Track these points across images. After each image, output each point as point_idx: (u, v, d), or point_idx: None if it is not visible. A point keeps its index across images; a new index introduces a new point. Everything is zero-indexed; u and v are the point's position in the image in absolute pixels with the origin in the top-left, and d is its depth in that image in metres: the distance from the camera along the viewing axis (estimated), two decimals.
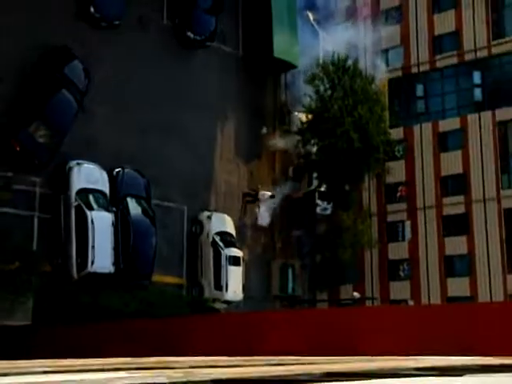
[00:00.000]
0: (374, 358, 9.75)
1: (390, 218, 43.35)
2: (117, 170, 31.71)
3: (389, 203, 43.66)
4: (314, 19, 44.15)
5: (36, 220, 29.19)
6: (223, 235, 35.53)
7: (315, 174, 41.89)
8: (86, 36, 31.72)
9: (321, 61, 41.65)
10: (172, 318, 23.12)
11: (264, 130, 40.69)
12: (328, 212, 42.82)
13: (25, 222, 28.81)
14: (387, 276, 42.59)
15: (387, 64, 45.45)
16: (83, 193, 29.63)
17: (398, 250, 42.66)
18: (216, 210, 36.37)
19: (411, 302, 40.52)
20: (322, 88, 40.98)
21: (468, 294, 39.29)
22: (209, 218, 35.50)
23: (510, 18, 41.82)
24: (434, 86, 44.18)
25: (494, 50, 41.55)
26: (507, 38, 41.23)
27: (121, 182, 31.51)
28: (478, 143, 40.79)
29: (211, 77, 37.34)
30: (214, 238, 35.02)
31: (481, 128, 40.83)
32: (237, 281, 35.13)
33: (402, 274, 42.79)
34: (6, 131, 28.41)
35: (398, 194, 43.77)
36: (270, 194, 38.96)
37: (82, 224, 28.94)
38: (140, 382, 4.97)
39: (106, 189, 30.58)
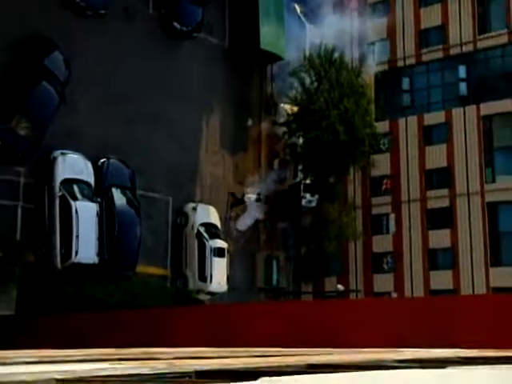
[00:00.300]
0: (357, 349, 9.79)
1: (375, 211, 43.52)
2: (102, 160, 31.58)
3: (373, 196, 43.81)
4: (301, 11, 44.11)
5: (20, 210, 29.02)
6: (208, 227, 35.54)
7: (300, 167, 41.95)
8: (71, 25, 31.42)
9: (307, 53, 41.66)
10: (156, 309, 23.09)
11: (250, 122, 40.65)
12: (313, 204, 42.91)
13: (8, 212, 28.63)
14: (371, 268, 42.79)
15: (373, 57, 45.53)
16: (67, 183, 29.47)
17: (382, 243, 42.84)
18: (201, 202, 36.34)
19: (395, 295, 40.74)
20: (307, 80, 41.02)
21: (451, 287, 39.55)
22: (194, 209, 35.49)
23: (496, 13, 41.99)
24: (419, 79, 44.32)
25: (480, 45, 41.72)
26: (493, 33, 41.41)
27: (106, 173, 31.39)
28: (463, 137, 40.99)
29: (197, 68, 37.22)
30: (198, 230, 35.02)
31: (465, 122, 41.03)
32: (221, 272, 35.16)
33: (385, 266, 43.00)
34: None
35: (383, 186, 43.93)
36: (255, 197, 38.98)
37: (67, 214, 28.81)
38: (123, 373, 4.97)
39: (91, 179, 30.45)
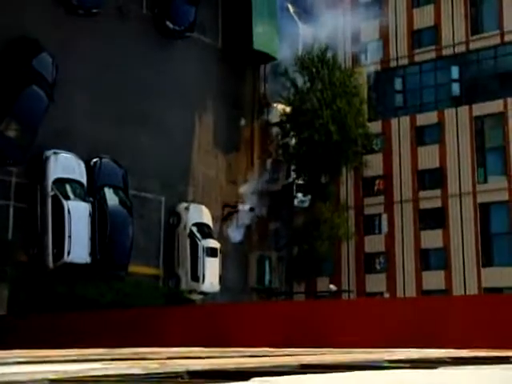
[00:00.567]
0: (349, 350, 9.81)
1: (367, 211, 43.56)
2: (94, 159, 31.53)
3: (366, 196, 43.86)
4: (294, 11, 44.13)
5: (12, 209, 28.94)
6: (200, 226, 35.52)
7: (293, 167, 41.97)
8: (63, 24, 31.34)
9: (300, 53, 41.69)
10: (148, 309, 23.08)
11: (243, 122, 40.66)
12: (306, 204, 42.94)
13: (0, 212, 28.55)
14: (363, 269, 42.84)
15: (366, 57, 45.60)
16: (60, 182, 29.41)
17: (374, 243, 42.90)
18: (194, 202, 36.33)
19: (387, 295, 40.80)
20: (300, 81, 41.06)
21: (443, 288, 39.63)
22: (186, 209, 35.47)
23: (489, 14, 42.10)
24: (412, 80, 44.39)
25: (472, 45, 41.83)
26: (485, 34, 41.51)
27: (98, 172, 31.34)
28: (455, 137, 41.09)
29: (190, 68, 37.19)
30: (191, 229, 35.01)
31: (458, 122, 41.13)
32: (214, 272, 35.15)
33: (378, 266, 43.06)
34: None
35: (376, 187, 43.98)
36: (249, 206, 39.02)
37: (59, 214, 28.75)
38: (115, 373, 4.97)
39: (83, 179, 30.39)
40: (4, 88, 28.49)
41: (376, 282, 42.02)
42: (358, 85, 41.51)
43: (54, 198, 28.98)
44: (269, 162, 42.07)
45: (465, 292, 38.21)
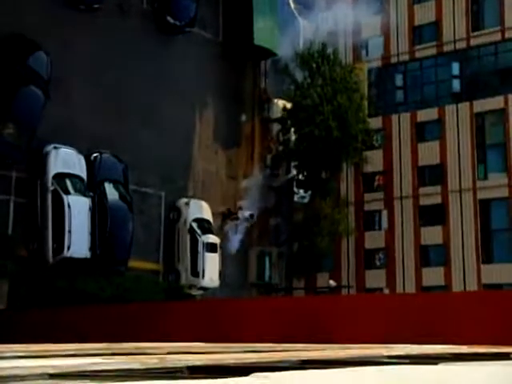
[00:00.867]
0: (348, 345, 9.81)
1: (367, 207, 43.57)
2: (94, 154, 31.52)
3: (366, 192, 43.86)
4: (295, 7, 44.07)
5: (12, 204, 28.94)
6: (200, 222, 35.53)
7: (293, 163, 41.95)
8: (64, 19, 31.29)
9: (301, 49, 41.65)
10: (148, 304, 23.09)
11: (243, 118, 40.63)
12: (306, 200, 42.96)
13: (0, 206, 28.55)
14: (363, 264, 42.86)
15: (367, 53, 45.55)
16: (60, 177, 29.41)
17: (374, 239, 42.91)
18: (194, 197, 36.32)
19: (386, 291, 40.82)
20: (300, 76, 41.02)
21: (443, 284, 39.66)
22: (187, 204, 35.46)
23: (490, 10, 42.05)
24: (412, 76, 44.36)
25: (473, 42, 41.79)
26: (486, 30, 41.47)
27: (98, 167, 31.33)
28: (456, 134, 41.07)
29: (191, 63, 37.15)
30: (191, 225, 35.01)
31: (458, 119, 41.10)
32: (213, 268, 35.16)
33: (377, 262, 43.08)
34: None
35: (376, 183, 43.98)
36: (249, 213, 39.00)
37: (59, 208, 28.74)
38: (115, 367, 4.96)
39: (83, 173, 30.38)
40: (0, 88, 28.22)
41: (376, 278, 42.04)
42: (358, 81, 41.48)
43: (54, 192, 28.97)
44: (269, 157, 42.07)
45: (464, 288, 38.23)
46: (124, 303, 24.79)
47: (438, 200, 41.16)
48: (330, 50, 41.24)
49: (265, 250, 40.85)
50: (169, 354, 7.03)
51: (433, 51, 43.27)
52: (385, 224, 42.93)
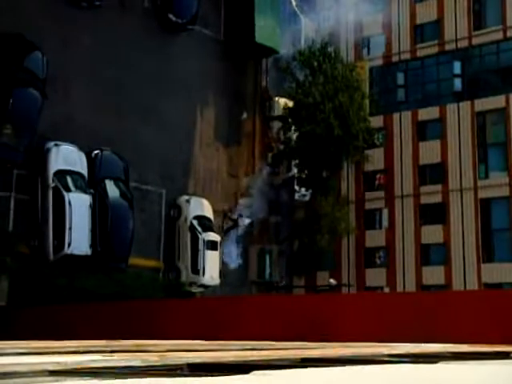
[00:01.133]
0: (348, 344, 9.81)
1: (368, 206, 43.56)
2: (95, 151, 31.50)
3: (367, 191, 43.85)
4: (297, 5, 44.04)
5: (12, 201, 28.93)
6: (201, 219, 35.53)
7: (294, 161, 41.95)
8: (65, 16, 31.27)
9: (302, 47, 41.63)
10: (149, 301, 23.10)
11: (244, 116, 40.62)
12: (306, 198, 42.95)
13: (1, 203, 28.55)
14: (364, 263, 42.86)
15: (368, 52, 45.52)
16: (61, 174, 29.38)
17: (374, 238, 42.90)
18: (194, 194, 36.32)
19: (387, 290, 40.83)
20: (301, 74, 41.00)
21: (443, 283, 39.66)
22: (187, 202, 35.47)
23: (492, 9, 42.00)
24: (414, 74, 44.32)
25: (475, 41, 41.75)
26: (488, 29, 41.43)
27: (99, 164, 31.31)
28: (457, 133, 41.04)
29: (192, 60, 37.12)
30: (191, 222, 35.01)
31: (459, 118, 41.08)
32: (214, 265, 35.17)
33: (378, 261, 43.08)
34: None
35: (377, 181, 43.97)
36: (249, 220, 39.01)
37: (59, 206, 28.73)
38: (115, 365, 4.97)
39: (84, 171, 30.37)
40: None
41: (376, 277, 42.04)
42: (360, 79, 41.45)
43: (55, 189, 28.96)
44: (270, 155, 42.08)
45: (465, 287, 38.23)
46: (124, 300, 24.79)
47: (438, 199, 41.14)
48: (331, 49, 41.20)
49: (265, 248, 40.85)
50: (169, 351, 7.04)
51: (434, 50, 43.23)
52: (385, 223, 42.92)
